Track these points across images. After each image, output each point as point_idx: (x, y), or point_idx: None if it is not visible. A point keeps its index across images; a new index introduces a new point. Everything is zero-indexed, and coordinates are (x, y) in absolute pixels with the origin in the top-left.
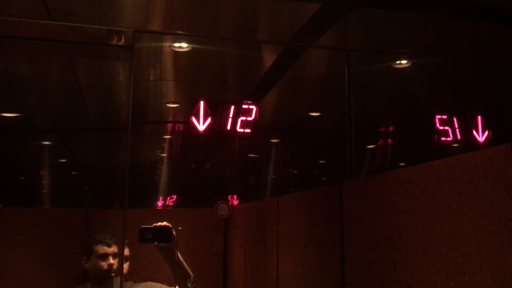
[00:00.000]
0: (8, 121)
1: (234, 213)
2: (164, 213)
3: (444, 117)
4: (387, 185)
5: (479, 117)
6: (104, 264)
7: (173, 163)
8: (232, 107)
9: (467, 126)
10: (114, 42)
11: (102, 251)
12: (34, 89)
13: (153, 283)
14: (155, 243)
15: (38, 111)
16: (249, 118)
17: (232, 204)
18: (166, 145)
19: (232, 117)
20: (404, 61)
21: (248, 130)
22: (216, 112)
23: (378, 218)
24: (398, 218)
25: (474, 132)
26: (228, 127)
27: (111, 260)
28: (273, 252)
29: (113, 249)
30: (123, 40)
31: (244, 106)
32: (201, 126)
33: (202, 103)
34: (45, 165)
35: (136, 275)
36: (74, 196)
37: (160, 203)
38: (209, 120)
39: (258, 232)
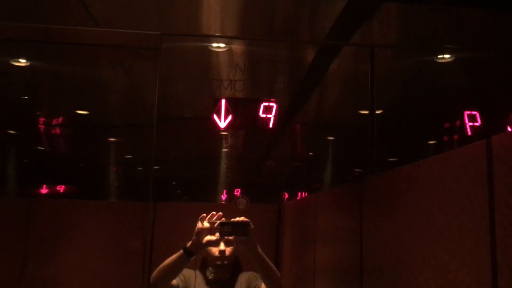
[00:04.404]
0: (81, 119)
1: (285, 208)
2: (224, 208)
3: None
4: (394, 182)
5: None
6: (215, 251)
7: (236, 158)
8: (253, 105)
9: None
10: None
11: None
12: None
13: (249, 272)
14: (233, 236)
15: (107, 110)
16: (269, 115)
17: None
18: (229, 140)
19: (252, 114)
20: (447, 56)
21: (269, 127)
22: (237, 109)
23: (387, 214)
24: (401, 215)
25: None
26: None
27: (223, 247)
28: (312, 241)
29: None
30: (150, 43)
31: (265, 104)
32: (223, 123)
33: (223, 101)
34: (114, 160)
35: None
36: (140, 190)
37: (224, 197)
38: (230, 118)
39: (301, 224)
